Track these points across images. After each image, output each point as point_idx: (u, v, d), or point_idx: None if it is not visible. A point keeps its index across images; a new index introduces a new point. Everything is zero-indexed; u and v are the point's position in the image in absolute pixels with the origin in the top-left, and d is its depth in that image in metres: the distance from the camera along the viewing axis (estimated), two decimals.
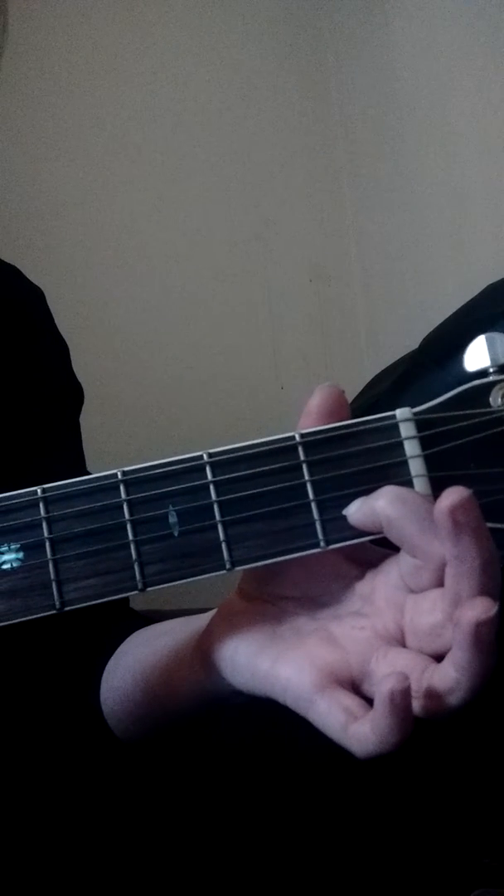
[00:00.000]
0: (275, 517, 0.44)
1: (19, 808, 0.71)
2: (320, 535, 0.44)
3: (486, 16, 1.47)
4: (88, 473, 0.83)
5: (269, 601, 0.49)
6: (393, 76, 1.68)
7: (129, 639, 0.68)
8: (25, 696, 0.73)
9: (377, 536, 0.43)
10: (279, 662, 0.45)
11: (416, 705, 0.41)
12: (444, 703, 0.41)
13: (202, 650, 0.51)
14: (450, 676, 0.41)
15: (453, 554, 0.40)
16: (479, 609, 0.39)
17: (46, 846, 0.71)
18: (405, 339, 1.15)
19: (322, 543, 0.44)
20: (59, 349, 0.88)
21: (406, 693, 0.39)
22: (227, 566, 0.43)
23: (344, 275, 1.78)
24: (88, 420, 0.88)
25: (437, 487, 0.43)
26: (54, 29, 1.48)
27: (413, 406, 0.44)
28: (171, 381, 1.53)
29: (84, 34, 1.52)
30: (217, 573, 0.44)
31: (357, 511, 0.44)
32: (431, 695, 0.41)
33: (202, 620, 0.53)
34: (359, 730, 0.41)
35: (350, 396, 1.26)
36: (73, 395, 0.89)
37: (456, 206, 1.57)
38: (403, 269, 1.70)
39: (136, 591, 0.44)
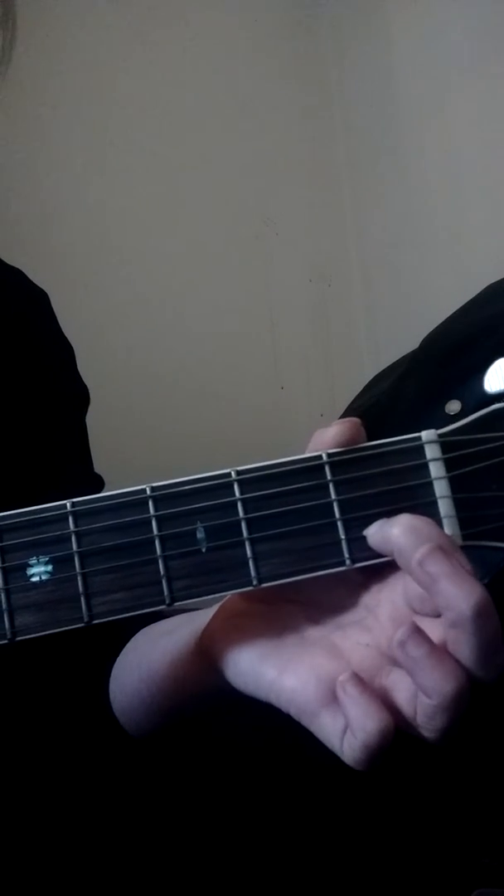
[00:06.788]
0: (301, 535, 0.44)
1: (27, 806, 0.72)
2: (346, 554, 0.44)
3: (486, 15, 1.47)
4: (96, 475, 0.84)
5: (272, 602, 0.49)
6: (393, 76, 1.68)
7: (135, 637, 0.68)
8: (35, 693, 0.74)
9: None
10: (284, 673, 0.46)
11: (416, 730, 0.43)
12: (429, 729, 0.42)
13: (203, 652, 0.51)
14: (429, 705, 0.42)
15: (438, 603, 0.41)
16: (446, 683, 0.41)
17: (52, 844, 0.72)
18: (405, 339, 1.16)
19: (347, 562, 0.45)
20: (64, 351, 0.88)
21: (356, 682, 0.42)
22: (254, 582, 0.44)
23: (344, 275, 1.78)
24: (88, 421, 0.89)
25: (461, 508, 0.44)
26: (55, 32, 1.48)
27: (438, 427, 0.45)
28: (171, 380, 1.53)
29: (85, 36, 1.52)
30: (244, 589, 0.44)
31: (375, 534, 0.44)
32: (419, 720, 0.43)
33: (204, 617, 0.53)
34: (348, 738, 0.43)
35: (350, 396, 1.26)
36: (79, 396, 0.89)
37: (456, 206, 1.58)
38: (403, 270, 1.70)
39: (163, 606, 0.44)
